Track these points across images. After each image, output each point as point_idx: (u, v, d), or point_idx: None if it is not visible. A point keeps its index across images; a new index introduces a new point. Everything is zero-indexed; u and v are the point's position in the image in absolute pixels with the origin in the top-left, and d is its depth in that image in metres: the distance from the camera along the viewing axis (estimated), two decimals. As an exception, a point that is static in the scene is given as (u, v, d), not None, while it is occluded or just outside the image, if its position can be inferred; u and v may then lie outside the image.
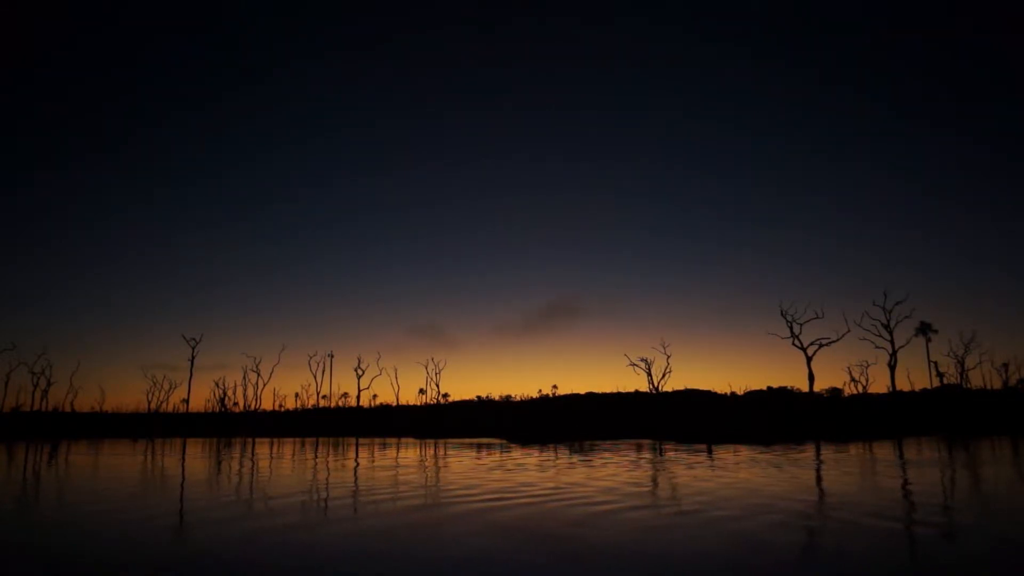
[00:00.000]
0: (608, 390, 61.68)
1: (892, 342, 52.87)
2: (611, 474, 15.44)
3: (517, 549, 7.22)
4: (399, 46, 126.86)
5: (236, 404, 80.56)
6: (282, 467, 19.83)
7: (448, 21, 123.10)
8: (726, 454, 21.58)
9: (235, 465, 20.94)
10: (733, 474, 15.06)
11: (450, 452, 25.96)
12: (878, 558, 6.65)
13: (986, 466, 17.00)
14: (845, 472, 15.49)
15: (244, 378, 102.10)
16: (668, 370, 65.54)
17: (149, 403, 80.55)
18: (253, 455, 26.14)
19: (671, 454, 22.31)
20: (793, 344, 53.75)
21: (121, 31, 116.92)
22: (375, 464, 20.48)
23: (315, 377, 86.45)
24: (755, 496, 11.12)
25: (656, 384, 65.85)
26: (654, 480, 14.24)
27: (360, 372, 77.20)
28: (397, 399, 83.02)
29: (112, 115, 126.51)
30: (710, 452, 22.76)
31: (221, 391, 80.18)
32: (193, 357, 72.87)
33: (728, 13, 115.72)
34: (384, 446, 32.40)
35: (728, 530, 8.11)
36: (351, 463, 20.86)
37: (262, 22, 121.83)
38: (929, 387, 60.04)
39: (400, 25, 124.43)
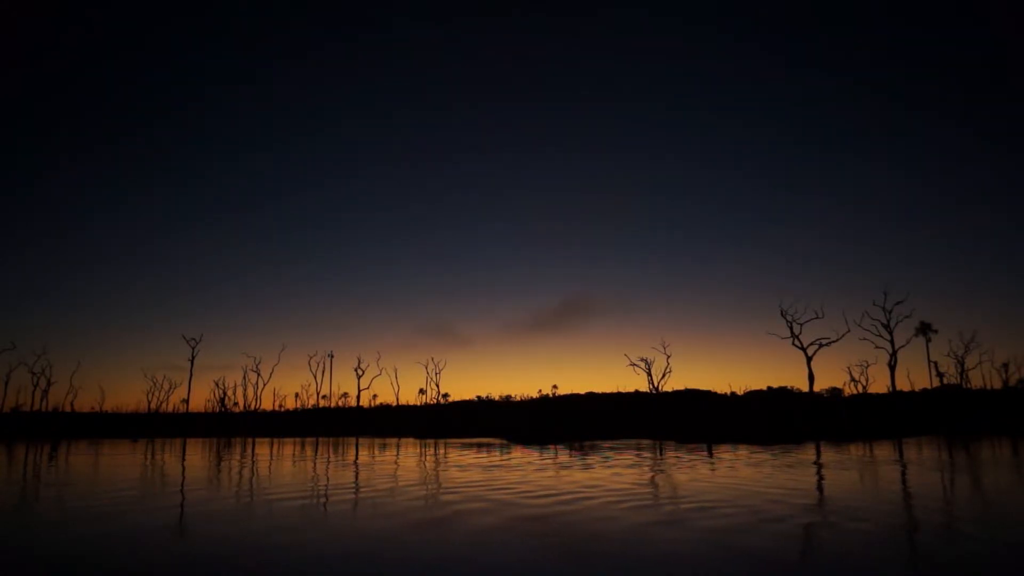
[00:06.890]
0: (608, 390, 61.84)
1: (892, 342, 52.89)
2: (610, 473, 15.42)
3: (514, 548, 7.23)
4: (405, 39, 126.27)
5: (236, 404, 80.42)
6: (282, 467, 19.82)
7: (456, 14, 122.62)
8: (726, 454, 21.58)
9: (235, 465, 20.93)
10: (732, 474, 15.05)
11: (450, 452, 25.95)
12: (878, 558, 6.65)
13: (986, 467, 16.99)
14: (844, 472, 15.48)
15: (244, 378, 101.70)
16: (668, 370, 65.47)
17: (149, 403, 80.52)
18: (253, 455, 26.14)
19: (671, 453, 22.30)
20: (793, 344, 53.71)
21: (119, 29, 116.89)
22: (374, 463, 20.47)
23: (315, 377, 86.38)
24: (754, 496, 11.11)
25: (656, 384, 65.83)
26: (652, 479, 14.23)
27: (360, 372, 77.25)
28: (397, 399, 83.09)
29: (110, 113, 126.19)
30: (710, 452, 22.75)
31: (221, 391, 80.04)
32: (193, 357, 72.89)
33: (728, 10, 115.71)
34: (383, 446, 32.40)
35: (726, 529, 8.11)
36: (350, 462, 20.85)
37: (263, 19, 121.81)
38: (929, 387, 60.04)
39: (406, 18, 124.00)
